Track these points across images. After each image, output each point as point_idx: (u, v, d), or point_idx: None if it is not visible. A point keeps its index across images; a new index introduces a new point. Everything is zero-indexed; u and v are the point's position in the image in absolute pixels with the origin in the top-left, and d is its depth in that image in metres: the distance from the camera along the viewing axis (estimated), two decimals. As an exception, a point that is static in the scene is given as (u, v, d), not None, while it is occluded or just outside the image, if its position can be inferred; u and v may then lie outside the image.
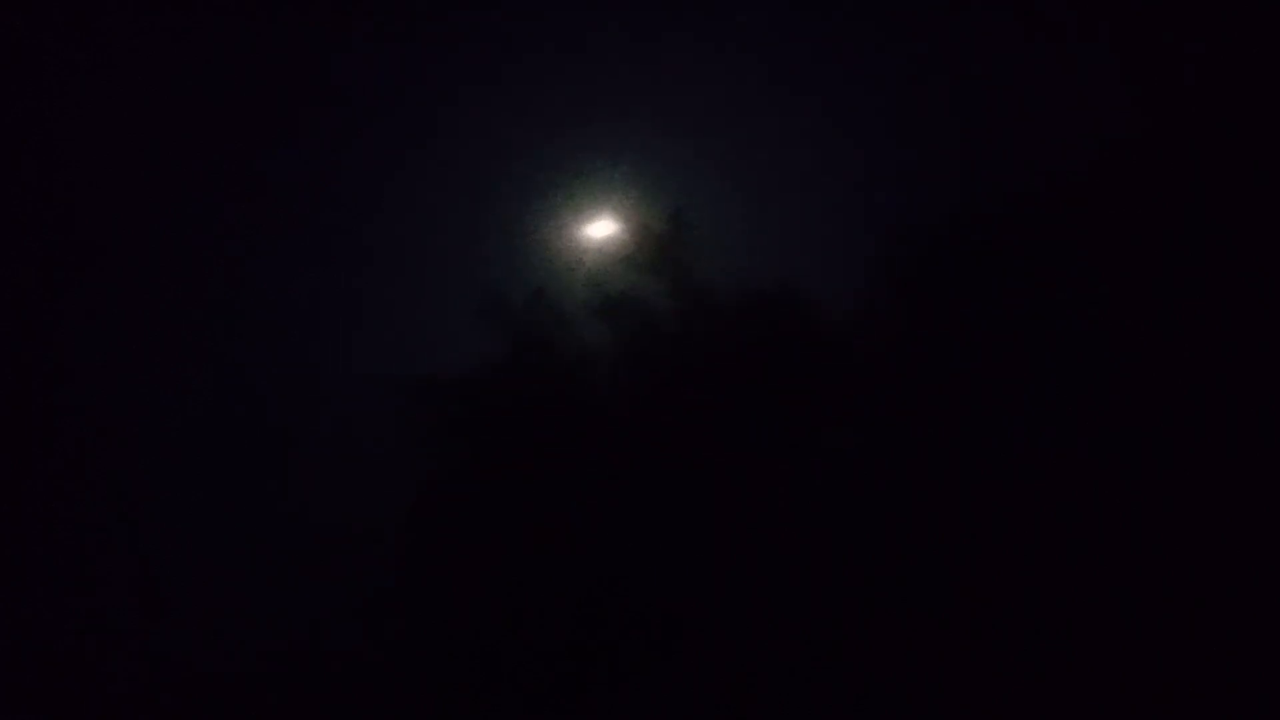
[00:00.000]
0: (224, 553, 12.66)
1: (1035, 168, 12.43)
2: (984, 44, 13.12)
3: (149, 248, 13.54)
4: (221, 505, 12.80)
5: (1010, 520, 11.52)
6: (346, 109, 13.80)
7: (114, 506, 12.79)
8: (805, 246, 12.77)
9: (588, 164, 13.49)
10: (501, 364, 12.97)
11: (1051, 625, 11.21)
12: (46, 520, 12.77)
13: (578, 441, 12.57)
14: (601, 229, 13.37)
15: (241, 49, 13.55)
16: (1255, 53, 12.50)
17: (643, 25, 13.62)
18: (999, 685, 11.14)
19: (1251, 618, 10.86)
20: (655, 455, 12.34)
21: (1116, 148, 12.37)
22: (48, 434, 13.00)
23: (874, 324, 12.60)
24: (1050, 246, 12.21)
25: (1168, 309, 11.85)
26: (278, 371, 13.22)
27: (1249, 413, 11.42)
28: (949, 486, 11.72)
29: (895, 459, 12.01)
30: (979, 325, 12.15)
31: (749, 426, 12.43)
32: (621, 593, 11.99)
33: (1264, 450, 11.32)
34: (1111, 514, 11.39)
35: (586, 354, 13.02)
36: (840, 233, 12.69)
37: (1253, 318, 11.65)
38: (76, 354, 13.23)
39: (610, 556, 12.10)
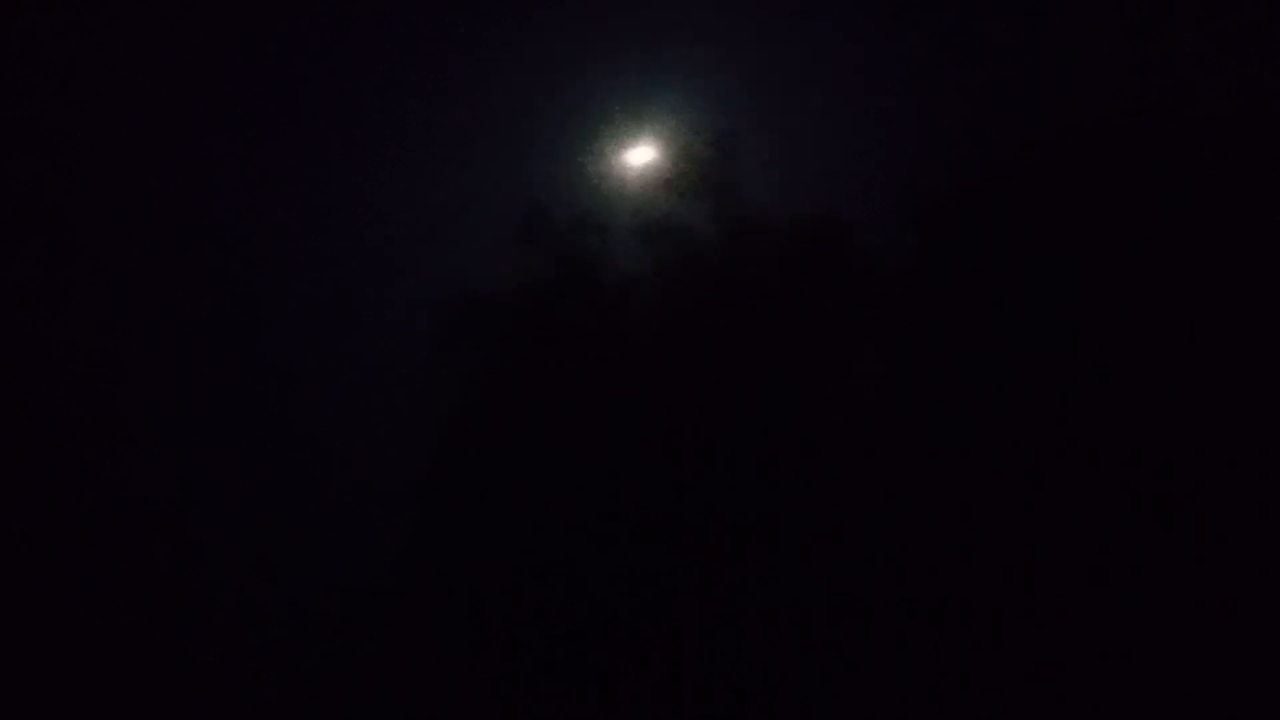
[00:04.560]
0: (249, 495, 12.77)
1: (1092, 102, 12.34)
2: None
3: (185, 172, 13.58)
4: (247, 444, 12.91)
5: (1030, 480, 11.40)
6: (389, 31, 13.84)
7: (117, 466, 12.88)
8: (848, 172, 12.75)
9: (633, 88, 13.54)
10: (543, 285, 13.00)
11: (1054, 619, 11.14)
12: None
13: (615, 366, 12.57)
14: (645, 154, 13.43)
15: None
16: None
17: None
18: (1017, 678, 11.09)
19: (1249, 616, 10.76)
20: (691, 383, 12.30)
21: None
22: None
23: (915, 253, 12.52)
24: (1096, 182, 12.08)
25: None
26: (311, 293, 13.28)
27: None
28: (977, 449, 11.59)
29: (922, 401, 11.88)
30: (1022, 259, 11.99)
31: (785, 357, 12.37)
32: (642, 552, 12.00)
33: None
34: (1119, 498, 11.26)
35: (628, 278, 13.01)
36: (885, 159, 12.65)
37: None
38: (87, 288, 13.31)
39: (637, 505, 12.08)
